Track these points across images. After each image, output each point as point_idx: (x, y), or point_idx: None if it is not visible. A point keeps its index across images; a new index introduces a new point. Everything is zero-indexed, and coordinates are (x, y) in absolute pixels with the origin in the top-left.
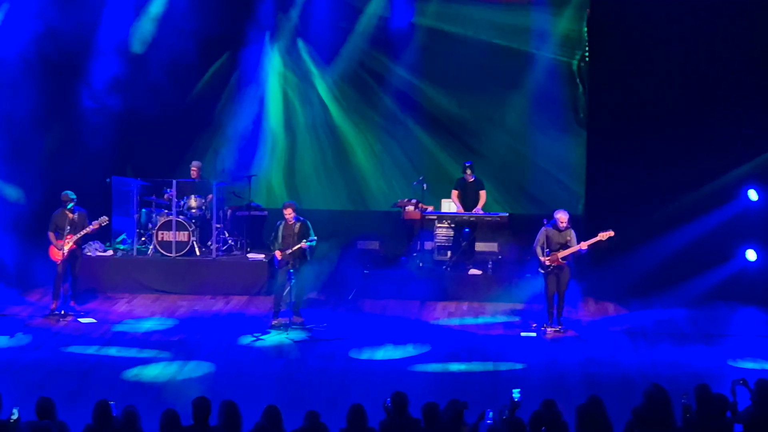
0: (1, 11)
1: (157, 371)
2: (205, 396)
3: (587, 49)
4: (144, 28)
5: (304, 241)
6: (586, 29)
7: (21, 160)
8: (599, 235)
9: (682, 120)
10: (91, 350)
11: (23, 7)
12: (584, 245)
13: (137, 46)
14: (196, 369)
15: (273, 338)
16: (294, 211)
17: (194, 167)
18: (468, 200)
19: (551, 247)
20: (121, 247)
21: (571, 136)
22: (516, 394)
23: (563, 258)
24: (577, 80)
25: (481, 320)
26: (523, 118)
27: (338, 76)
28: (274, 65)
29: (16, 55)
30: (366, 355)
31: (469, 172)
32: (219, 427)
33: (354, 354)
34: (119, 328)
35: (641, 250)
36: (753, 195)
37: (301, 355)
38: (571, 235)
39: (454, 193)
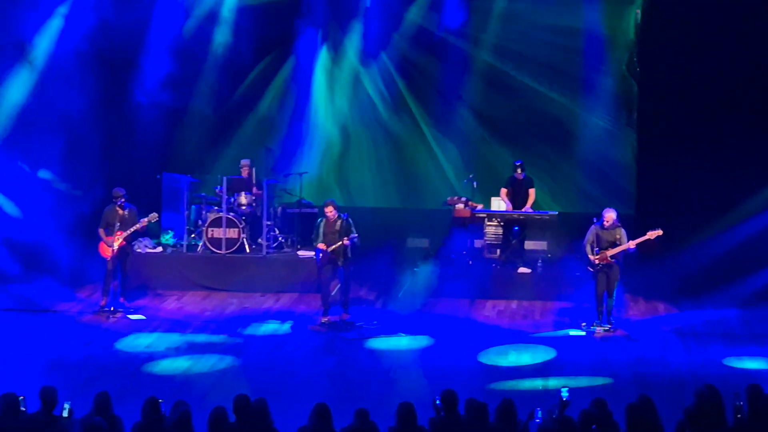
0: (64, 6)
1: (206, 367)
2: (245, 393)
3: (638, 47)
4: (196, 26)
5: (345, 238)
6: (636, 27)
7: (75, 155)
8: (648, 233)
9: (735, 118)
10: (141, 347)
11: (80, 2)
12: (633, 244)
13: (188, 42)
14: (245, 366)
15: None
16: (335, 208)
17: (244, 165)
18: (517, 198)
19: (600, 246)
20: (170, 242)
21: (622, 134)
22: (564, 392)
23: (612, 256)
24: (628, 78)
25: (530, 319)
26: (574, 116)
27: (388, 73)
28: (324, 62)
29: (71, 50)
30: (415, 353)
31: (519, 170)
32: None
33: (403, 352)
34: (169, 324)
35: (692, 249)
36: None
37: (351, 352)
38: (621, 233)
39: (504, 191)
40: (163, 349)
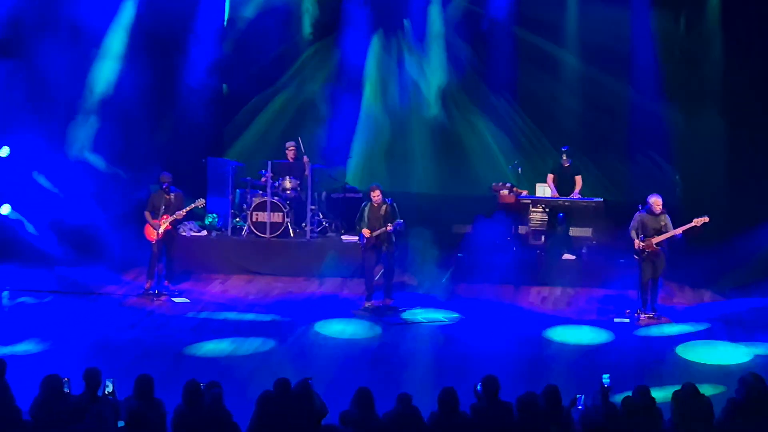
0: None
1: (250, 351)
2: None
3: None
4: (243, 10)
5: (389, 225)
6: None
7: (124, 139)
8: (694, 221)
9: None
10: (185, 330)
11: None
12: (680, 230)
13: (239, 26)
14: (289, 350)
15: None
16: (381, 193)
17: (290, 148)
18: (564, 185)
19: (646, 233)
20: (214, 223)
21: (670, 120)
22: (605, 379)
23: (658, 244)
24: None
25: (574, 305)
26: (622, 102)
27: (434, 60)
28: (373, 48)
29: (123, 31)
30: (459, 339)
31: (565, 157)
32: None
33: (446, 337)
34: (214, 308)
35: (739, 237)
36: None
37: (394, 338)
38: (666, 220)
39: (550, 177)
40: (208, 332)
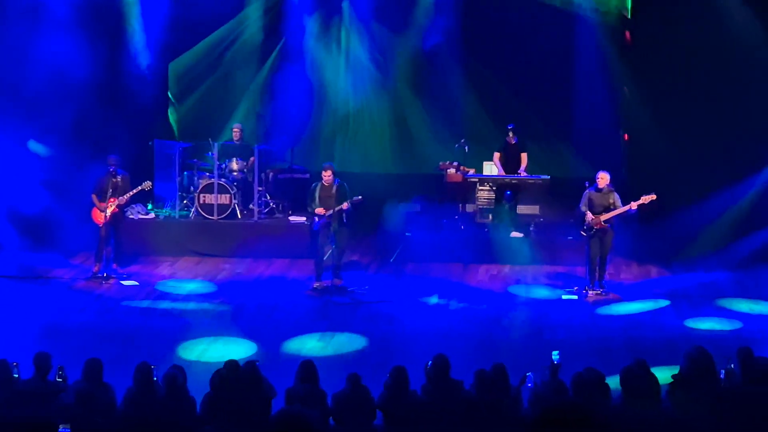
0: None
1: (199, 332)
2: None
3: (630, 8)
4: None
5: (346, 202)
6: None
7: (68, 123)
8: (642, 198)
9: (727, 81)
10: (134, 313)
11: None
12: (634, 205)
13: (179, 9)
14: (237, 331)
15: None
16: (333, 173)
17: (236, 129)
18: (510, 163)
19: (594, 210)
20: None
21: (613, 97)
22: (555, 355)
23: (606, 221)
24: (619, 40)
25: (522, 283)
26: (566, 80)
27: (380, 38)
28: (316, 28)
29: (62, 17)
30: (408, 317)
31: (511, 134)
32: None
33: (395, 316)
34: (161, 289)
35: (684, 213)
36: None
37: (343, 318)
38: (615, 197)
39: (496, 155)
40: (157, 314)
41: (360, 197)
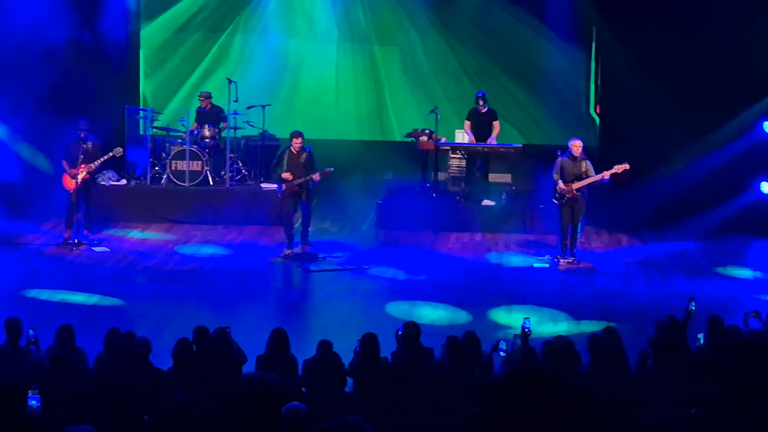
0: None
1: (170, 298)
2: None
3: None
4: None
5: (317, 173)
6: None
7: (35, 89)
8: (615, 167)
9: (699, 51)
10: (105, 279)
11: None
12: (607, 174)
13: None
14: (208, 297)
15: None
16: (303, 140)
17: (202, 97)
18: (481, 131)
19: (566, 178)
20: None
21: (585, 66)
22: (526, 323)
23: (578, 189)
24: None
25: (494, 251)
26: (537, 48)
27: (352, 5)
28: None
29: None
30: (379, 285)
31: (481, 102)
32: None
33: (366, 284)
34: (133, 256)
35: (655, 182)
36: None
37: (314, 285)
38: (587, 165)
39: (467, 123)
40: (127, 281)
41: (331, 169)
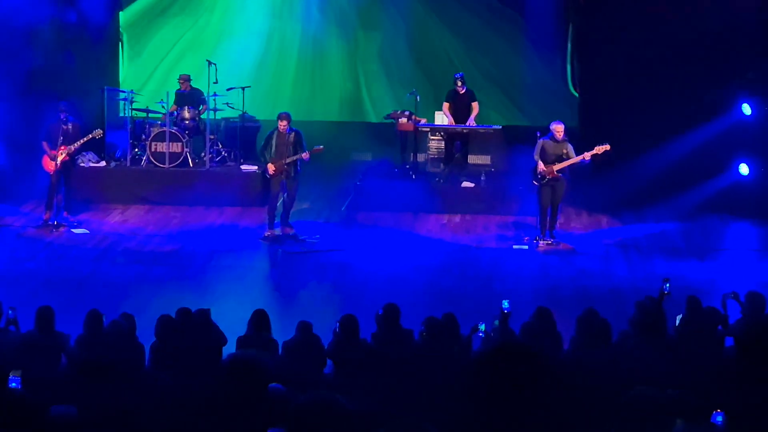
0: None
1: (150, 279)
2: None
3: None
4: None
5: (307, 152)
6: None
7: (14, 70)
8: (596, 148)
9: (679, 30)
10: (85, 261)
11: None
12: (587, 155)
13: None
14: (188, 278)
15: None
16: (289, 121)
17: (182, 80)
18: (460, 113)
19: (547, 160)
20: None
21: (565, 47)
22: (505, 304)
23: (559, 171)
24: None
25: (473, 233)
26: (517, 28)
27: None
28: None
29: None
30: (358, 266)
31: (459, 83)
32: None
33: (346, 265)
34: (113, 238)
35: (635, 163)
36: (746, 109)
37: (294, 266)
38: (568, 147)
39: (445, 105)
40: (109, 262)
41: (321, 147)
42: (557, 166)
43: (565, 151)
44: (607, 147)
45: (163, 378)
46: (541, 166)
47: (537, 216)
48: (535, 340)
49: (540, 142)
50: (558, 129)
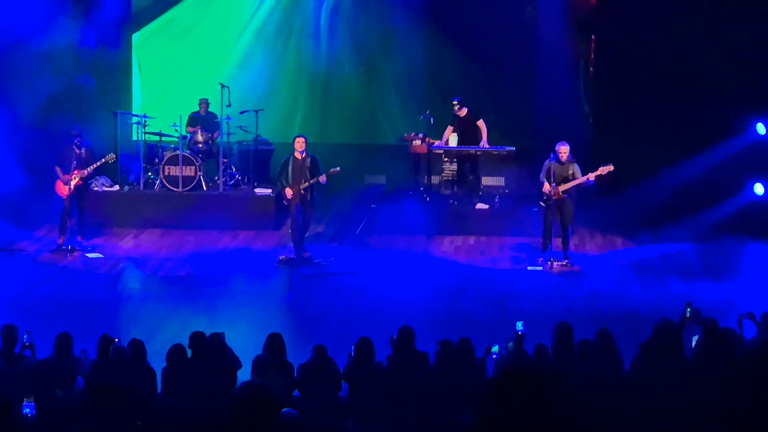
0: None
1: (163, 303)
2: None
3: None
4: None
5: (323, 175)
6: None
7: (28, 94)
8: (599, 169)
9: (693, 52)
10: (99, 286)
11: None
12: (591, 176)
13: None
14: (202, 302)
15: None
16: (305, 142)
17: (202, 103)
18: (466, 135)
19: (553, 181)
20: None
21: (578, 68)
22: (519, 325)
23: (564, 191)
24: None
25: (487, 255)
26: (530, 50)
27: (345, 7)
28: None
29: None
30: (373, 289)
31: (457, 107)
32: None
33: (361, 288)
34: (127, 263)
35: (649, 184)
36: (761, 129)
37: (309, 289)
38: (575, 168)
39: (449, 129)
40: (123, 287)
41: (338, 168)
42: (563, 187)
43: (571, 172)
44: (611, 167)
45: (175, 404)
46: (546, 187)
47: (541, 237)
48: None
49: (547, 163)
50: (563, 150)
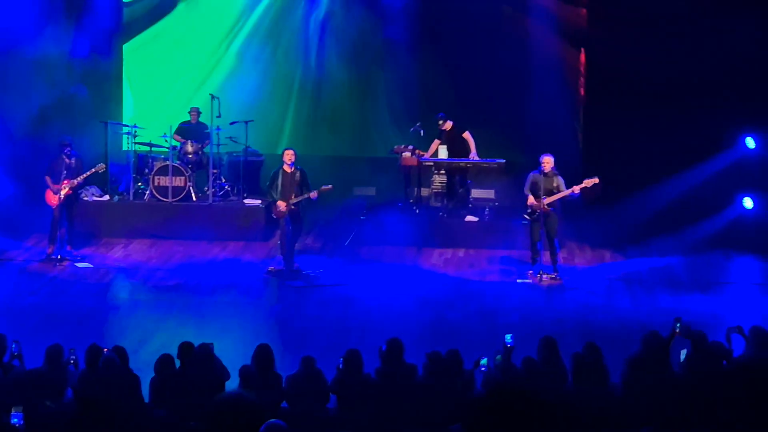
0: None
1: (151, 314)
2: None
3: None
4: None
5: (315, 191)
6: None
7: (18, 104)
8: (584, 182)
9: (681, 66)
10: (88, 296)
11: None
12: (576, 189)
13: None
14: (192, 313)
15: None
16: (294, 154)
17: (193, 112)
18: (454, 148)
19: (537, 194)
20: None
21: (568, 81)
22: (508, 338)
23: (549, 204)
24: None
25: (477, 267)
26: (520, 64)
27: (332, 20)
28: (272, 9)
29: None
30: (362, 301)
31: (441, 122)
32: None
33: (350, 300)
34: (116, 273)
35: (638, 197)
36: (750, 143)
37: (297, 301)
38: (559, 181)
39: (436, 142)
40: (112, 296)
41: (330, 186)
42: (547, 200)
43: (555, 184)
44: (596, 180)
45: (161, 414)
46: (531, 199)
47: (528, 250)
48: (537, 375)
49: (530, 176)
50: (546, 161)
